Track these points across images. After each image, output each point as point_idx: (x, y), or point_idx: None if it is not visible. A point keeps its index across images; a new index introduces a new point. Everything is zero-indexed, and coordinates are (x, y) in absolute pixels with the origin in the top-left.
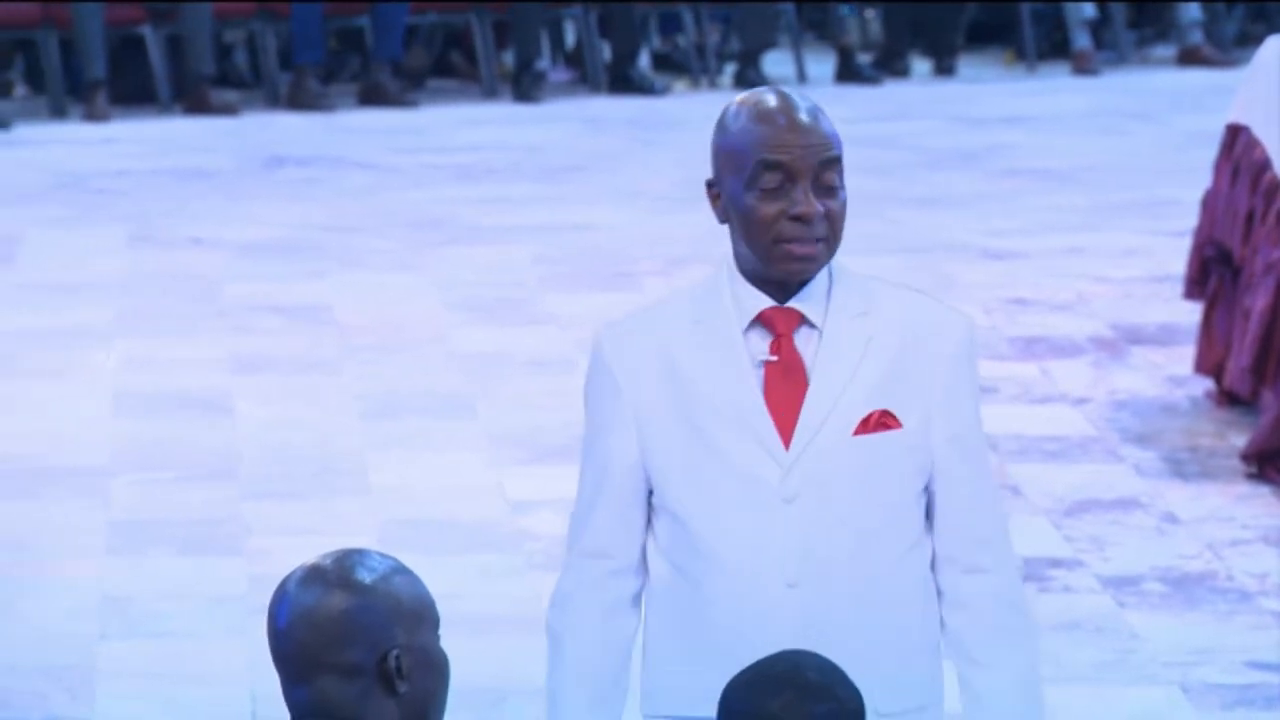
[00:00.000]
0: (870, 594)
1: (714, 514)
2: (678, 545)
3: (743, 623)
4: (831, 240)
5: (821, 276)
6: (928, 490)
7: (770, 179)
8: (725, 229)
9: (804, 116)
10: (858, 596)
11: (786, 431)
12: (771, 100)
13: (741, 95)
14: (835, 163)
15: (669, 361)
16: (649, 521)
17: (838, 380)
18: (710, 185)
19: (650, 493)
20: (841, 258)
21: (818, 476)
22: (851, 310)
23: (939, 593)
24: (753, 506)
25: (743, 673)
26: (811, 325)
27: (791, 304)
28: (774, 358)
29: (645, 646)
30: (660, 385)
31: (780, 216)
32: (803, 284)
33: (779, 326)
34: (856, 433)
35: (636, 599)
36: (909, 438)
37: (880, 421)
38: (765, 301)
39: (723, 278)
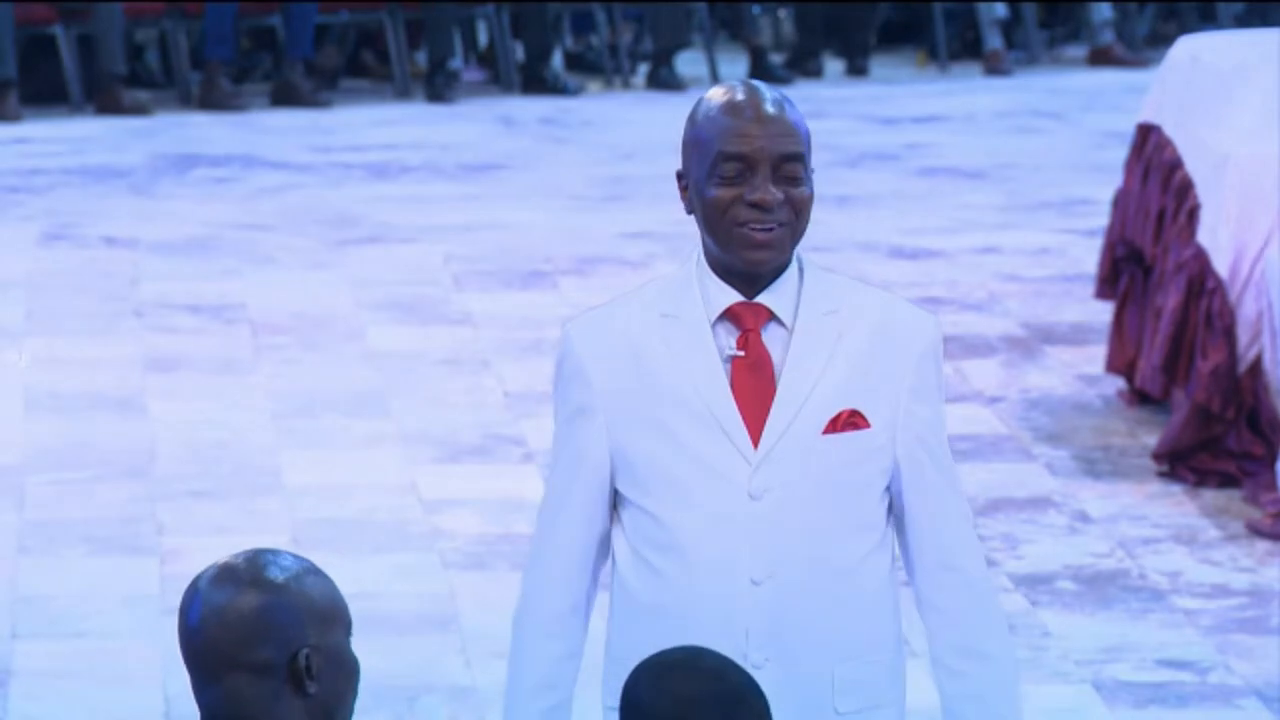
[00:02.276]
0: (833, 592)
1: (680, 508)
2: (643, 537)
3: (705, 617)
4: (795, 226)
5: (791, 272)
6: (889, 491)
7: (730, 168)
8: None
9: (769, 109)
10: (821, 594)
11: (755, 428)
12: (739, 93)
13: (714, 87)
14: (798, 158)
15: (637, 354)
16: (615, 511)
17: (807, 379)
18: (680, 177)
19: (614, 486)
20: (808, 254)
21: (785, 474)
22: (821, 308)
23: (916, 595)
24: (719, 502)
25: (641, 665)
26: (780, 322)
27: (760, 299)
28: (741, 353)
29: (609, 636)
30: (629, 378)
31: (737, 200)
32: (771, 278)
33: (747, 322)
34: (825, 431)
35: (589, 600)
36: (876, 438)
37: (849, 421)
38: (733, 296)
39: (691, 271)
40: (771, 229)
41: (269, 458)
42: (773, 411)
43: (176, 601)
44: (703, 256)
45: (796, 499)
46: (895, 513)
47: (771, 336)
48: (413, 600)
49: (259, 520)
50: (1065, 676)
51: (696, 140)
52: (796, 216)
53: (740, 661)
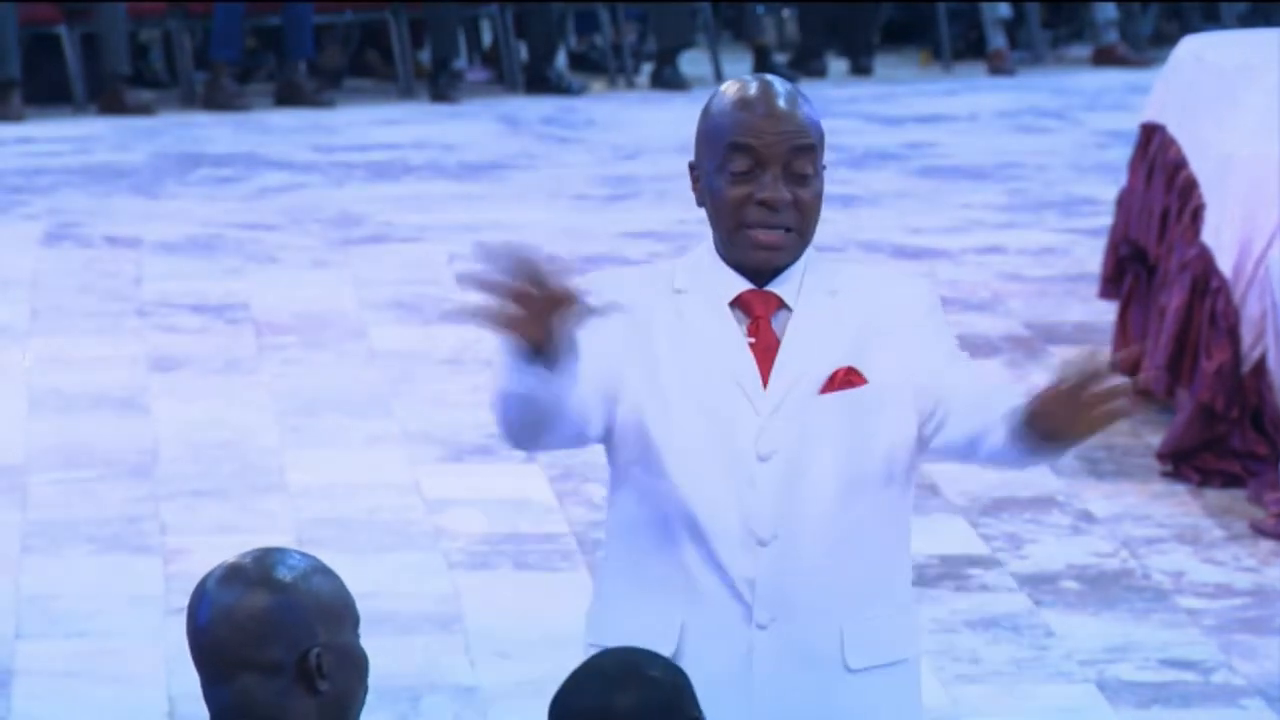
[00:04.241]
0: (841, 552)
1: (688, 470)
2: (648, 492)
3: (709, 574)
4: (801, 231)
5: (798, 263)
6: (934, 416)
7: (740, 162)
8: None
9: (781, 104)
10: (828, 554)
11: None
12: (752, 87)
13: (729, 81)
14: (809, 150)
15: (649, 320)
16: (618, 475)
17: (805, 345)
18: (692, 168)
19: (611, 425)
20: (810, 251)
21: (791, 435)
22: (821, 289)
23: (974, 438)
24: (727, 464)
25: (575, 674)
26: (788, 308)
27: (770, 288)
28: (752, 340)
29: (599, 579)
30: (641, 335)
31: (747, 201)
32: (776, 271)
33: (758, 309)
34: (823, 390)
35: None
36: (876, 393)
37: (845, 379)
38: (744, 284)
39: (704, 256)
40: (779, 233)
41: (272, 457)
42: (772, 376)
43: (180, 601)
44: (713, 246)
45: (803, 459)
46: (936, 423)
47: (780, 323)
48: (416, 600)
49: (262, 520)
50: (1069, 676)
51: (708, 132)
52: (803, 220)
53: (745, 624)
